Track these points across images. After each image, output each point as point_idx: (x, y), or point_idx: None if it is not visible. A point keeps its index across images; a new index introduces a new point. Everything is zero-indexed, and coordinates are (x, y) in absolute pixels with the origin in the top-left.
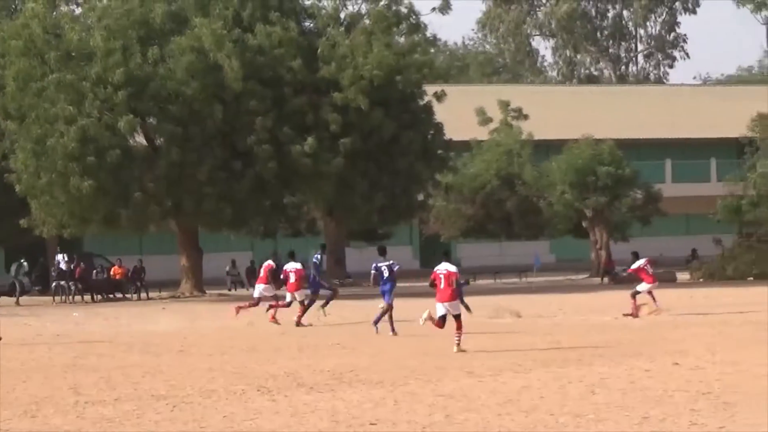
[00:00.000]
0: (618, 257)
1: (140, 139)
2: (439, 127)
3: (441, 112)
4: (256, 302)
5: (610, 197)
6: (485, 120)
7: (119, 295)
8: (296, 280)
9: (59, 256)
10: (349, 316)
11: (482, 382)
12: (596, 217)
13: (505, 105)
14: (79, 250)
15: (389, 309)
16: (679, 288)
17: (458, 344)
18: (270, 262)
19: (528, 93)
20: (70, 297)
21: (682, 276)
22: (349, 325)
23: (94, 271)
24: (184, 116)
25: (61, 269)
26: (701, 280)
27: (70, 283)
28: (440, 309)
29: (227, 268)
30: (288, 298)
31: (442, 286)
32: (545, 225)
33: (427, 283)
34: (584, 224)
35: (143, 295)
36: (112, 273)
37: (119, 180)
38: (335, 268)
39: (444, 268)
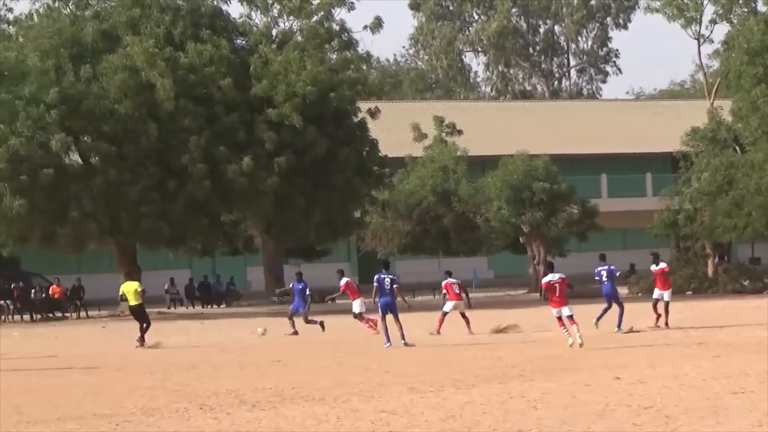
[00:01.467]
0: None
1: (76, 158)
2: (374, 144)
3: (375, 129)
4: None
5: (546, 213)
6: (420, 136)
7: (59, 314)
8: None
9: None
10: (289, 332)
11: (424, 398)
12: (533, 232)
13: (439, 121)
14: (17, 269)
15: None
16: None
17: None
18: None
19: (461, 109)
20: (9, 316)
21: (621, 290)
22: (290, 342)
23: (33, 291)
24: (119, 135)
25: None
26: (639, 294)
27: (8, 303)
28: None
29: (166, 286)
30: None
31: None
32: (482, 241)
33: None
34: (521, 240)
35: (83, 313)
36: (51, 292)
37: (55, 199)
38: (274, 286)
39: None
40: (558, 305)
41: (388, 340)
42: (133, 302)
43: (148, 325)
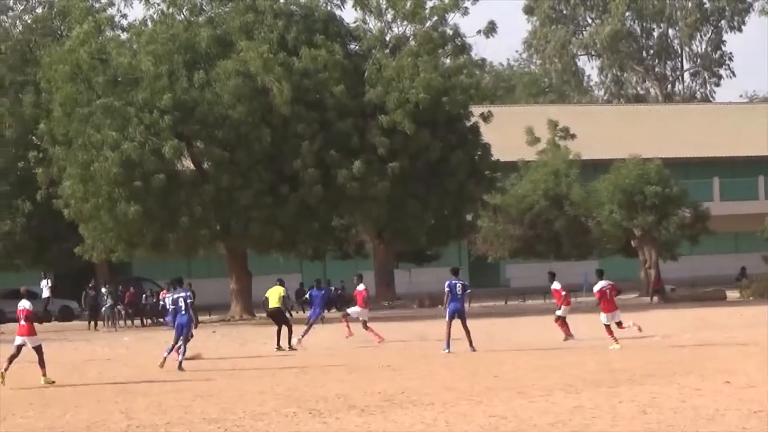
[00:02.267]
0: (667, 276)
1: (188, 164)
2: (486, 148)
3: (487, 133)
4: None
5: (658, 216)
6: (534, 140)
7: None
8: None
9: (43, 282)
10: (399, 338)
11: (533, 403)
12: (645, 236)
13: (553, 125)
14: (128, 274)
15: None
16: (729, 306)
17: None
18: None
19: (574, 113)
20: (120, 321)
21: (732, 294)
22: (399, 346)
23: (144, 296)
24: (231, 140)
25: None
26: (751, 298)
27: (120, 308)
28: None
29: None
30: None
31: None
32: (594, 244)
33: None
34: (633, 243)
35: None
36: (161, 297)
37: (166, 204)
38: (384, 290)
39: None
40: (607, 311)
41: (449, 346)
42: (273, 305)
43: (289, 327)
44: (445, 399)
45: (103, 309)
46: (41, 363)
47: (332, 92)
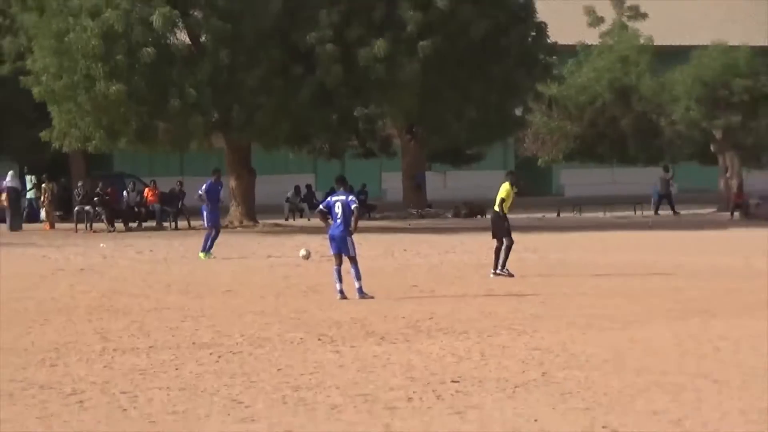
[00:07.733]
0: (752, 189)
1: (182, 36)
2: (541, 28)
3: (542, 11)
4: None
5: (745, 116)
6: (596, 20)
7: (153, 224)
8: None
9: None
10: (429, 253)
11: (585, 335)
12: (727, 139)
13: (619, 2)
14: (109, 169)
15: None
16: None
17: None
18: None
19: None
20: (92, 224)
21: None
22: (429, 264)
23: (125, 194)
24: (235, 10)
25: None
26: None
27: (96, 208)
28: None
29: (289, 195)
30: None
31: None
32: (666, 148)
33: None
34: (712, 148)
35: (182, 223)
36: (145, 196)
37: (155, 85)
38: (414, 196)
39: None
40: None
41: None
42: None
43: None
44: (481, 327)
45: (75, 209)
46: None
47: None
